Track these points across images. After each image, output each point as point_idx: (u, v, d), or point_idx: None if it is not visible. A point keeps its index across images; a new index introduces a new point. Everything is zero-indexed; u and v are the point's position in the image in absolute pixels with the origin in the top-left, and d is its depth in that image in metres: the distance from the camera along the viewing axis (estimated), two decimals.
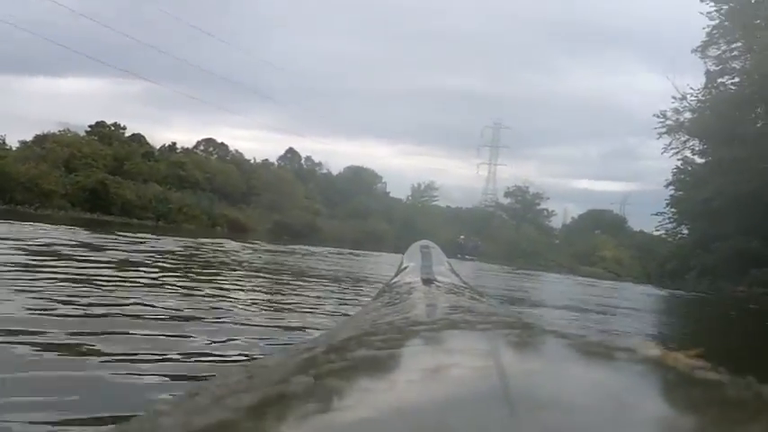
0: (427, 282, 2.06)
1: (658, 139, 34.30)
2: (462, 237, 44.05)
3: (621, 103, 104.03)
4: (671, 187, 35.06)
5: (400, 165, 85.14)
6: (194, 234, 20.09)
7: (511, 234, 56.71)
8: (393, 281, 2.67)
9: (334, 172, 55.05)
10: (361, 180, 53.68)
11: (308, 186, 47.77)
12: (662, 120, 33.92)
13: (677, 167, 34.69)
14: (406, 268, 2.93)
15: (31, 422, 1.69)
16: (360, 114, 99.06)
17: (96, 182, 33.85)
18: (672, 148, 34.07)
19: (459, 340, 0.69)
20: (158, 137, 47.03)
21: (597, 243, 61.54)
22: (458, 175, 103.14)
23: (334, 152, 78.82)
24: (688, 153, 34.12)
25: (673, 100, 33.74)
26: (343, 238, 38.87)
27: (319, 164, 55.23)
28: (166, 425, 0.48)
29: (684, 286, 26.05)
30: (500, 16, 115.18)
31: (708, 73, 32.66)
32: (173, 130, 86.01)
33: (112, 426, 1.45)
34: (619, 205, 72.51)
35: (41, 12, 64.57)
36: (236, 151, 48.11)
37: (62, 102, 65.41)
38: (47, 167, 31.88)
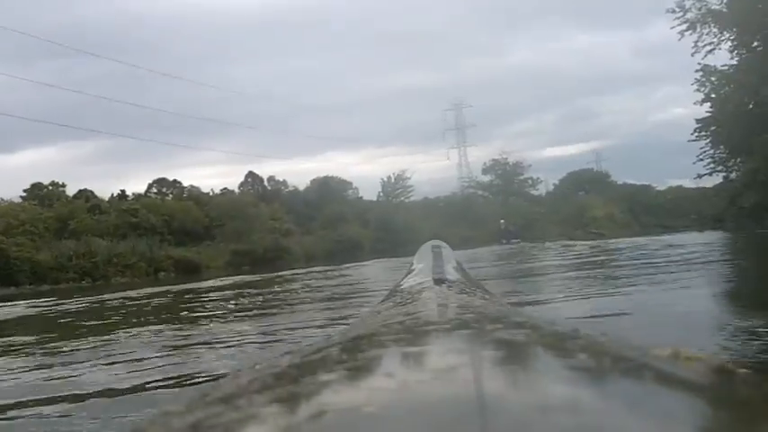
0: (439, 282, 2.00)
1: (680, 40, 27.05)
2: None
3: (569, 67, 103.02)
4: (706, 105, 27.93)
5: (367, 170, 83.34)
6: (103, 290, 17.34)
7: (497, 211, 54.33)
8: (404, 281, 2.63)
9: (301, 188, 52.73)
10: (330, 189, 51.35)
11: (273, 207, 45.37)
12: (680, 14, 26.73)
13: (697, 80, 27.46)
14: (416, 268, 2.93)
15: None
16: (317, 128, 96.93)
17: None
18: (706, 44, 26.81)
19: (470, 340, 0.70)
20: (116, 191, 44.29)
21: (584, 204, 59.51)
22: (428, 169, 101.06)
23: (298, 171, 76.77)
24: (725, 48, 26.88)
25: None
26: (313, 254, 36.66)
27: (283, 182, 52.69)
28: (179, 425, 0.47)
29: None
30: (435, 10, 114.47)
31: None
32: (138, 181, 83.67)
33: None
34: (595, 163, 70.76)
35: None
36: (192, 186, 45.67)
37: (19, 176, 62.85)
38: None
